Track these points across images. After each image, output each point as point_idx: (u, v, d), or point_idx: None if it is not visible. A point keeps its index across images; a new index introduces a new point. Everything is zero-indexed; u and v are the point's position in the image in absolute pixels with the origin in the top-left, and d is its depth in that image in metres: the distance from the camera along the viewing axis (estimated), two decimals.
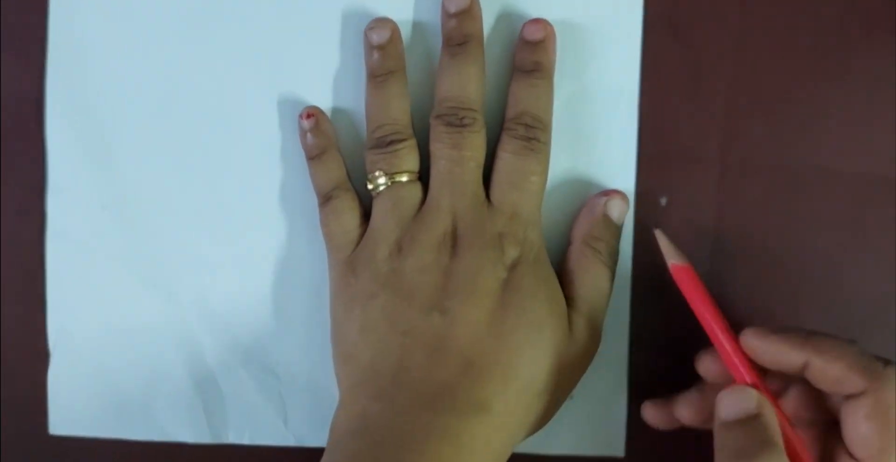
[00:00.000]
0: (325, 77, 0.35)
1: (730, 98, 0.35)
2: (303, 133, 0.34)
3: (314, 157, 0.34)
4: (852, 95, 0.35)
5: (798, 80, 0.35)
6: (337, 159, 0.34)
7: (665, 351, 0.36)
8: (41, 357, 0.36)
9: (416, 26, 0.34)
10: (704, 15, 0.34)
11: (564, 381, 0.33)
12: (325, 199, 0.34)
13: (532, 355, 0.32)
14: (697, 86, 0.35)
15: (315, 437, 0.36)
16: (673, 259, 0.32)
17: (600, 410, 0.36)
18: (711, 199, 0.35)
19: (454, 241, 0.32)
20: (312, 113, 0.34)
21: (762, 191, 0.35)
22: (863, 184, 0.35)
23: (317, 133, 0.34)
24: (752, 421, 0.29)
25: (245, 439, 0.36)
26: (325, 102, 0.35)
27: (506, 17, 0.34)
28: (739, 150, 0.35)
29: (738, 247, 0.35)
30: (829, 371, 0.29)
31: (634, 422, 0.35)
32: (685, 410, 0.33)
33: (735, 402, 0.29)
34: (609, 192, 0.34)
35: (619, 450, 0.36)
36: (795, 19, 0.34)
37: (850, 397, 0.29)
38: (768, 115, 0.35)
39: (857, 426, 0.28)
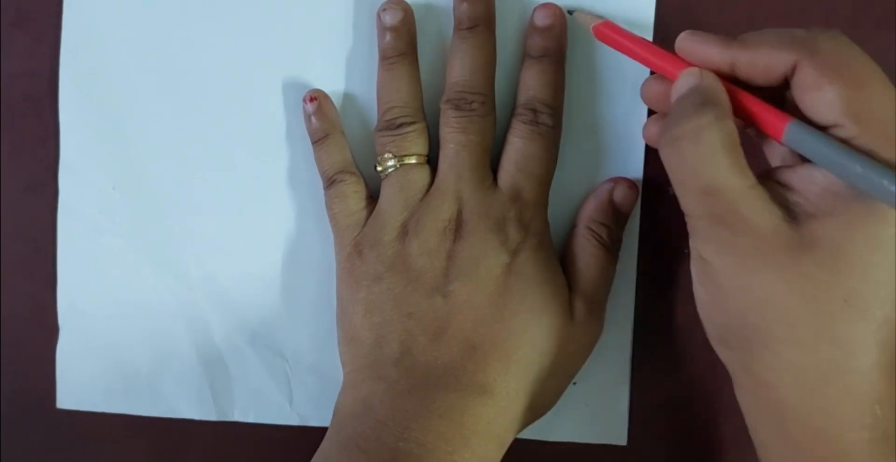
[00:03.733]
0: (337, 59, 0.35)
1: None
2: (307, 117, 0.34)
3: (318, 140, 0.34)
4: None
5: None
6: (340, 143, 0.34)
7: (669, 340, 0.36)
8: (50, 332, 0.36)
9: (429, 9, 0.34)
10: (717, 5, 0.34)
11: (567, 365, 0.33)
12: (330, 183, 0.34)
13: (533, 339, 0.32)
14: None
15: (319, 417, 0.36)
16: (592, 23, 0.31)
17: (603, 398, 0.36)
18: None
19: (459, 224, 0.32)
20: (315, 96, 0.34)
21: None
22: None
23: (320, 117, 0.34)
24: (693, 90, 0.27)
25: (250, 417, 0.36)
26: (336, 85, 0.35)
27: (518, 2, 0.34)
28: (744, 148, 0.34)
29: None
30: (757, 59, 0.27)
31: (637, 410, 0.35)
32: (652, 127, 0.32)
33: (681, 82, 0.28)
34: (618, 179, 0.34)
35: (621, 438, 0.36)
36: (807, 14, 0.34)
37: (792, 80, 0.26)
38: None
39: (813, 99, 0.26)
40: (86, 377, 0.36)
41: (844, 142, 0.25)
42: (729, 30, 0.34)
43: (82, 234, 0.36)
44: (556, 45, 0.33)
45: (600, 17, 0.32)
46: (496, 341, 0.32)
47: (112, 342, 0.36)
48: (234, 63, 0.35)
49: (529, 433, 0.34)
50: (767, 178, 0.27)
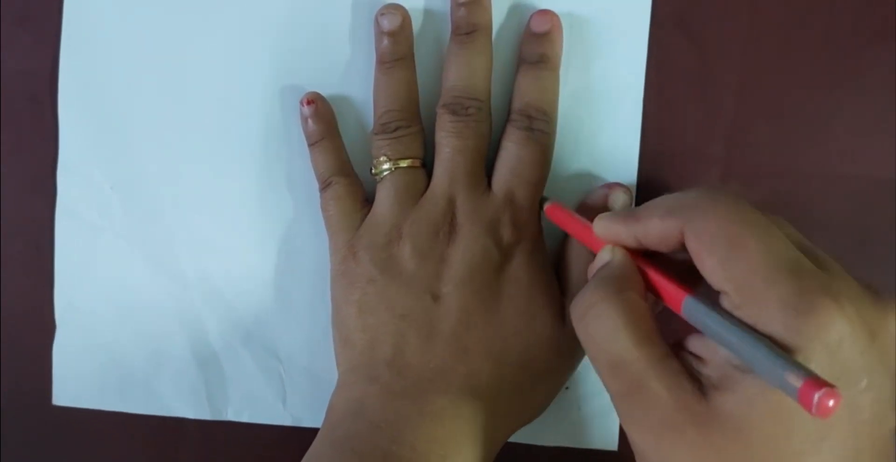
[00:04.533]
0: (335, 62, 0.35)
1: (737, 98, 0.34)
2: (303, 119, 0.35)
3: (314, 143, 0.34)
4: (860, 99, 0.34)
5: (806, 83, 0.34)
6: (336, 145, 0.35)
7: None
8: (47, 330, 0.37)
9: (428, 14, 0.35)
10: (714, 13, 0.34)
11: (558, 370, 0.33)
12: (325, 185, 0.34)
13: (525, 343, 0.32)
14: (704, 84, 0.35)
15: (312, 418, 0.36)
16: (547, 204, 0.33)
17: (594, 403, 0.36)
18: None
19: (452, 228, 0.33)
20: (312, 99, 0.34)
21: (765, 192, 0.35)
22: (866, 187, 0.35)
23: (316, 119, 0.34)
24: (602, 266, 0.28)
25: (244, 417, 0.37)
26: (334, 88, 0.35)
27: (516, 8, 0.34)
28: (744, 151, 0.35)
29: None
30: (649, 231, 0.26)
31: None
32: None
33: (596, 260, 0.28)
34: (612, 185, 0.34)
35: (611, 443, 0.36)
36: (806, 21, 0.34)
37: (686, 245, 0.26)
38: (775, 116, 0.35)
39: (702, 266, 0.25)
40: (82, 375, 0.37)
41: (733, 311, 0.24)
42: (726, 38, 0.34)
43: (80, 234, 0.36)
44: (551, 52, 0.33)
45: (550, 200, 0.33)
46: (488, 345, 0.32)
47: (108, 340, 0.37)
48: (232, 65, 0.35)
49: (520, 437, 0.34)
50: (681, 347, 0.27)
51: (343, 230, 0.34)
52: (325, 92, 0.35)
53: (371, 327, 0.33)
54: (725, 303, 0.25)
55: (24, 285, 0.37)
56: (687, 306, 0.25)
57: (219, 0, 0.35)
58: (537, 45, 0.33)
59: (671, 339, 0.27)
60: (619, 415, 0.27)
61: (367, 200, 0.35)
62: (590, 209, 0.34)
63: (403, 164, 0.33)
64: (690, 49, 0.34)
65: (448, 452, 0.30)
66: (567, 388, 0.35)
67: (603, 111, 0.35)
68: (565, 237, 0.35)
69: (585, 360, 0.34)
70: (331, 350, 0.35)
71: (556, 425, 0.36)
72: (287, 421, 0.37)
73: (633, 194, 0.35)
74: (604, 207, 0.34)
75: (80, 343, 0.37)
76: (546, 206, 0.33)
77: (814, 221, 0.35)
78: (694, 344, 0.26)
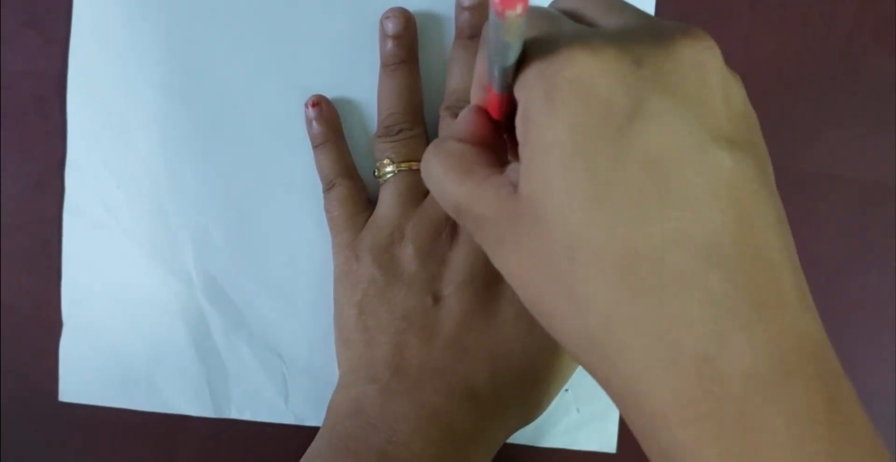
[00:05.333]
0: (340, 65, 0.35)
1: None
2: (308, 121, 0.35)
3: (319, 145, 0.35)
4: (859, 102, 0.34)
5: (805, 85, 0.34)
6: (340, 147, 0.35)
7: None
8: (54, 327, 0.37)
9: (432, 18, 0.35)
10: (714, 14, 0.34)
11: (558, 372, 0.34)
12: (329, 186, 0.35)
13: (525, 346, 0.32)
14: None
15: (314, 416, 0.37)
16: None
17: (594, 406, 0.36)
18: None
19: (454, 230, 0.33)
20: (317, 102, 0.35)
21: None
22: (865, 190, 0.35)
23: (321, 121, 0.35)
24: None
25: (246, 415, 0.37)
26: (338, 90, 0.35)
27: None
28: None
29: None
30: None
31: None
32: None
33: None
34: None
35: (610, 446, 0.36)
36: (806, 23, 0.34)
37: None
38: (773, 118, 0.35)
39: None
40: (87, 371, 0.37)
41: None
42: (727, 37, 0.34)
43: (86, 232, 0.37)
44: None
45: None
46: (487, 347, 0.32)
47: (113, 338, 0.37)
48: (238, 67, 0.36)
49: (519, 438, 0.35)
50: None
51: (346, 231, 0.34)
52: (329, 94, 0.35)
53: (372, 328, 0.33)
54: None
55: (30, 283, 0.37)
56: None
57: (226, 3, 0.35)
58: None
59: None
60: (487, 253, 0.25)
61: (371, 202, 0.35)
62: None
63: (405, 166, 0.34)
64: None
65: (444, 453, 0.31)
66: (567, 390, 0.36)
67: None
68: None
69: None
70: (333, 349, 0.35)
71: (555, 427, 0.36)
72: (289, 419, 0.37)
73: None
74: None
75: (86, 340, 0.37)
76: None
77: (812, 225, 0.35)
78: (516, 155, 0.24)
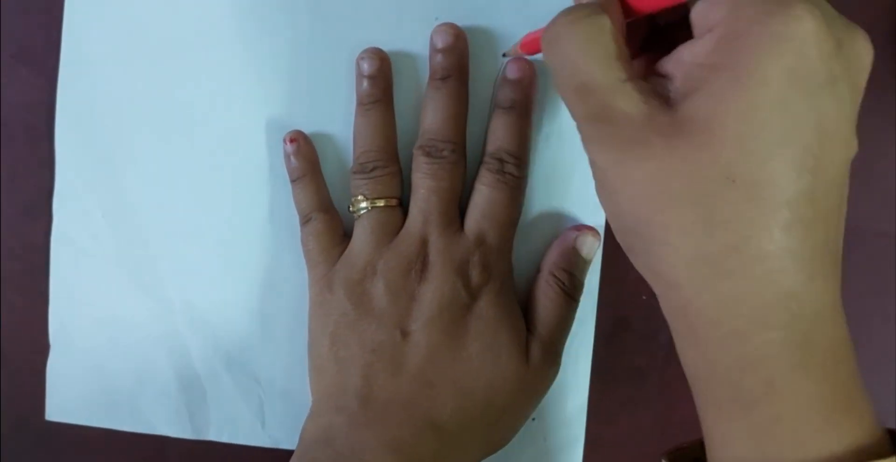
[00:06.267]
0: (318, 102, 0.36)
1: None
2: (286, 156, 0.36)
3: (296, 179, 0.36)
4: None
5: None
6: (317, 182, 0.36)
7: (625, 380, 0.37)
8: (42, 349, 0.38)
9: (407, 58, 0.36)
10: None
11: (522, 405, 0.35)
12: (306, 220, 0.36)
13: (490, 380, 0.33)
14: None
15: (289, 440, 0.38)
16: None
17: (560, 435, 0.37)
18: None
19: (424, 266, 0.34)
20: (295, 138, 0.36)
21: None
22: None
23: (298, 157, 0.36)
24: None
25: (224, 437, 0.38)
26: (316, 126, 0.36)
27: (491, 55, 0.35)
28: None
29: None
30: None
31: (592, 445, 0.37)
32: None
33: None
34: (581, 227, 0.36)
35: None
36: None
37: None
38: None
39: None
40: (73, 392, 0.39)
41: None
42: None
43: (73, 259, 0.38)
44: (524, 98, 0.34)
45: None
46: (453, 380, 0.33)
47: (98, 361, 0.38)
48: (221, 102, 0.37)
49: None
50: (652, 73, 0.26)
51: (321, 264, 0.35)
52: (307, 130, 0.36)
53: (342, 359, 0.34)
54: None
55: (21, 306, 0.39)
56: None
57: (209, 39, 0.36)
58: (511, 91, 0.34)
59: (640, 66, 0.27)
60: (583, 138, 0.26)
61: (346, 235, 0.36)
62: (561, 252, 0.35)
63: (380, 203, 0.35)
64: None
65: None
66: (534, 418, 0.37)
67: (574, 155, 0.36)
68: (535, 276, 0.36)
69: (551, 391, 0.36)
70: (307, 375, 0.36)
71: (521, 455, 0.37)
72: (266, 442, 0.38)
73: (602, 237, 0.36)
74: (574, 250, 0.35)
75: (72, 362, 0.38)
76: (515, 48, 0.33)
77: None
78: (663, 65, 0.26)
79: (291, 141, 0.36)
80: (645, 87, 0.25)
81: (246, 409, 0.38)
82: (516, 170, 0.34)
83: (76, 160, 0.38)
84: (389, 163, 0.35)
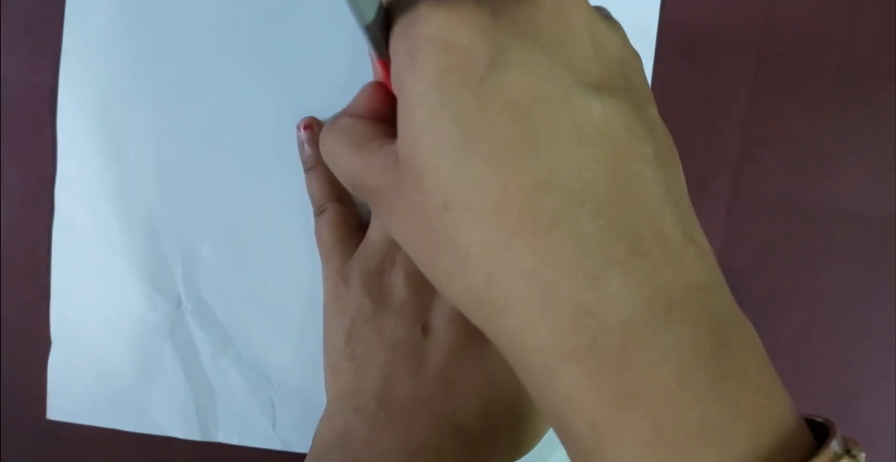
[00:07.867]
0: (333, 88, 0.35)
1: (745, 130, 0.34)
2: (300, 144, 0.34)
3: (310, 168, 0.34)
4: (871, 135, 0.33)
5: (817, 117, 0.33)
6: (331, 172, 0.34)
7: None
8: (43, 343, 0.37)
9: None
10: (723, 44, 0.33)
11: None
12: (320, 211, 0.34)
13: (514, 381, 0.31)
14: (713, 115, 0.34)
15: (301, 443, 0.36)
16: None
17: None
18: (718, 233, 0.34)
19: None
20: (309, 124, 0.34)
21: (771, 227, 0.34)
22: (874, 226, 0.34)
23: (313, 145, 0.34)
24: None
25: (234, 439, 0.36)
26: (331, 112, 0.35)
27: None
28: (751, 184, 0.34)
29: (743, 283, 0.34)
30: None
31: None
32: None
33: None
34: None
35: None
36: (821, 55, 0.33)
37: None
38: (784, 150, 0.34)
39: None
40: (75, 390, 0.37)
41: None
42: (734, 69, 0.33)
43: (76, 249, 0.36)
44: None
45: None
46: (477, 380, 0.31)
47: (101, 357, 0.36)
48: (231, 86, 0.35)
49: None
50: None
51: (336, 257, 0.34)
52: (322, 116, 0.34)
53: (360, 357, 0.32)
54: None
55: (22, 297, 0.37)
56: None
57: (220, 23, 0.35)
58: None
59: None
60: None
61: (362, 227, 0.34)
62: None
63: None
64: (697, 80, 0.33)
65: None
66: None
67: None
68: None
69: None
70: (321, 374, 0.34)
71: (547, 460, 0.35)
72: (276, 445, 0.36)
73: None
74: None
75: (74, 358, 0.37)
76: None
77: (819, 258, 0.34)
78: None
79: (306, 128, 0.34)
80: (388, 150, 0.24)
81: (256, 410, 0.36)
82: None
83: (79, 146, 0.36)
84: None
